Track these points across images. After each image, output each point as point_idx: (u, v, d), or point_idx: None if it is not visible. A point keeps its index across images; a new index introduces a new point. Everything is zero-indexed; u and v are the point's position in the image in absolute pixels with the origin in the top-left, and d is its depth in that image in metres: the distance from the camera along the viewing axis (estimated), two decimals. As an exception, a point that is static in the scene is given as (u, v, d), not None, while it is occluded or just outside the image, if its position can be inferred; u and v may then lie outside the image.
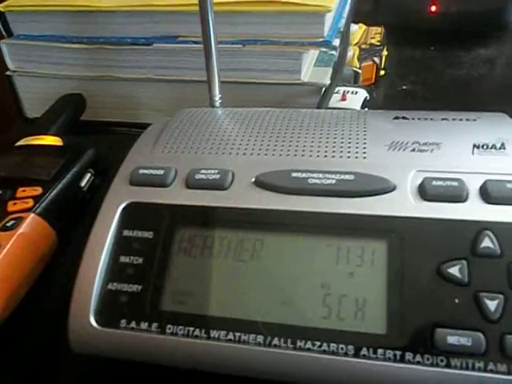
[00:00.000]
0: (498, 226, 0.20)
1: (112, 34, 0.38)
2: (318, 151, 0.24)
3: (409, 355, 0.19)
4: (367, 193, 0.22)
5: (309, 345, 0.20)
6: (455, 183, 0.21)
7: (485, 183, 0.21)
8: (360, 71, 0.41)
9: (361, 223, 0.21)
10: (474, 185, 0.21)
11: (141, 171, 0.25)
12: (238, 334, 0.20)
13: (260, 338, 0.20)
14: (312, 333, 0.20)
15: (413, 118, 0.26)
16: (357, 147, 0.24)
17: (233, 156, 0.25)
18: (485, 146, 0.23)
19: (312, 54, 0.37)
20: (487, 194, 0.21)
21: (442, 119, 0.26)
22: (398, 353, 0.19)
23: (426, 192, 0.21)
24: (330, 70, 0.37)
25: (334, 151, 0.24)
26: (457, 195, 0.21)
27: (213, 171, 0.24)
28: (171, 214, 0.23)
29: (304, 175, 0.23)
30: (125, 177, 0.25)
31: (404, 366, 0.19)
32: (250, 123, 0.27)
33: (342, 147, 0.24)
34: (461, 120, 0.26)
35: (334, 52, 0.39)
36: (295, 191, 0.23)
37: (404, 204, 0.21)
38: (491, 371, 0.18)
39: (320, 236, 0.21)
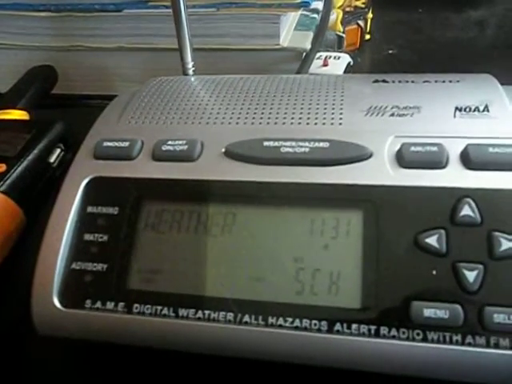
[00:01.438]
0: (478, 193, 0.19)
1: (80, 1, 0.36)
2: (292, 118, 0.23)
3: (384, 329, 0.18)
4: (342, 161, 0.21)
5: (281, 321, 0.19)
6: (434, 148, 0.20)
7: (466, 148, 0.20)
8: (344, 35, 0.39)
9: (335, 193, 0.20)
10: (454, 150, 0.20)
11: (105, 144, 0.23)
12: (207, 312, 0.19)
13: (230, 316, 0.19)
14: (284, 309, 0.19)
15: (393, 81, 0.25)
16: (333, 113, 0.23)
17: (202, 125, 0.24)
18: (467, 109, 0.22)
19: (292, 18, 0.36)
20: (468, 160, 0.20)
21: (424, 82, 0.24)
22: (373, 327, 0.18)
23: (403, 159, 0.20)
24: (311, 35, 0.35)
25: (308, 118, 0.23)
26: (436, 161, 0.20)
27: (180, 142, 0.23)
28: (137, 188, 0.22)
29: (276, 144, 0.22)
30: (88, 150, 0.23)
31: (379, 341, 0.18)
32: (222, 91, 0.26)
33: (317, 113, 0.23)
34: (443, 82, 0.24)
35: (315, 15, 0.37)
36: (267, 161, 0.21)
37: (380, 172, 0.20)
38: (469, 344, 0.17)
39: (293, 208, 0.20)
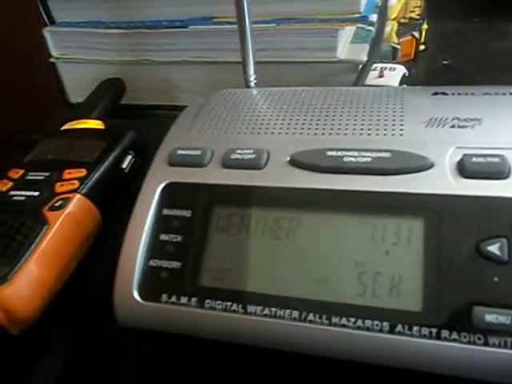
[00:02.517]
0: (541, 203, 0.19)
1: (148, 18, 0.38)
2: (354, 129, 0.24)
3: (445, 333, 0.19)
4: (404, 170, 0.22)
5: (344, 321, 0.20)
6: (496, 159, 0.21)
7: (528, 159, 0.21)
8: (399, 47, 0.40)
9: (397, 201, 0.21)
10: (516, 161, 0.21)
11: (179, 152, 0.25)
12: (274, 310, 0.21)
13: (295, 314, 0.20)
14: (347, 309, 0.20)
15: (452, 94, 0.26)
16: (393, 124, 0.24)
17: (268, 135, 0.25)
18: (528, 121, 0.22)
19: (348, 31, 0.37)
20: (530, 171, 0.20)
21: (484, 94, 0.25)
22: (434, 330, 0.19)
23: (465, 169, 0.21)
24: (367, 47, 0.36)
25: (369, 129, 0.24)
26: (498, 171, 0.20)
27: (248, 151, 0.24)
28: (208, 193, 0.24)
29: (339, 153, 0.23)
30: (164, 158, 0.26)
31: (440, 344, 0.19)
32: (285, 102, 0.27)
33: (378, 124, 0.24)
34: (504, 94, 0.25)
35: (371, 28, 0.38)
36: (330, 170, 0.23)
37: (442, 181, 0.21)
38: (531, 350, 0.18)
39: (355, 214, 0.22)
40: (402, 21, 0.42)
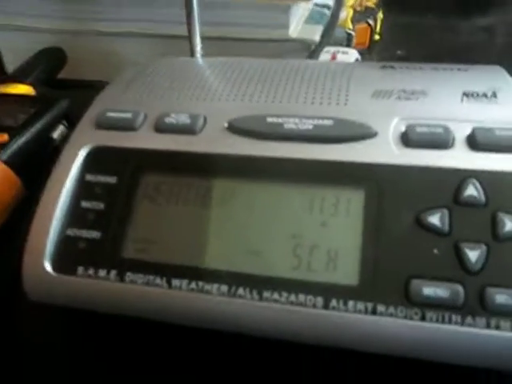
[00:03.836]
0: (483, 174, 0.18)
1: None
2: (297, 97, 0.23)
3: (381, 307, 0.17)
4: (345, 139, 0.20)
5: (276, 295, 0.18)
6: (440, 130, 0.20)
7: (473, 130, 0.20)
8: (353, 33, 0.39)
9: (337, 170, 0.20)
10: (461, 132, 0.20)
11: (108, 114, 0.23)
12: (200, 284, 0.19)
13: (224, 288, 0.19)
14: (280, 283, 0.18)
15: (400, 68, 0.25)
16: (338, 94, 0.23)
17: (206, 102, 0.23)
18: (475, 95, 0.22)
19: (302, 11, 0.36)
20: (474, 141, 0.19)
21: (432, 69, 0.24)
22: (370, 305, 0.17)
23: (408, 139, 0.20)
24: (320, 28, 0.35)
25: (313, 97, 0.23)
26: (441, 142, 0.20)
27: (183, 115, 0.22)
28: (137, 159, 0.22)
29: (279, 120, 0.21)
30: (91, 120, 0.23)
31: (376, 319, 0.17)
32: (229, 71, 0.26)
33: (322, 93, 0.23)
34: (451, 70, 0.24)
35: (326, 10, 0.37)
36: (269, 136, 0.21)
37: (385, 151, 0.20)
38: (469, 325, 0.17)
39: (293, 184, 0.20)
40: (358, 9, 0.42)
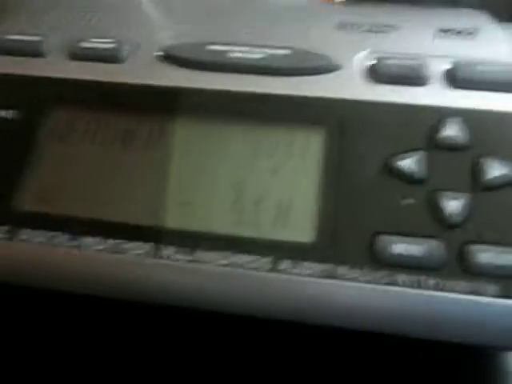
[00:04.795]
0: (465, 113, 0.15)
1: None
2: (247, 28, 0.19)
3: (342, 269, 0.14)
4: (303, 71, 0.17)
5: (211, 255, 0.14)
6: (414, 63, 0.17)
7: (452, 65, 0.16)
8: None
9: (291, 107, 0.16)
10: (437, 67, 0.17)
11: (8, 37, 0.18)
12: (115, 242, 0.15)
13: (146, 247, 0.15)
14: (217, 241, 0.15)
15: (368, 4, 0.21)
16: (297, 25, 0.19)
17: (134, 26, 0.19)
18: (453, 31, 0.19)
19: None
20: (454, 77, 0.16)
21: (405, 7, 0.21)
22: (329, 266, 0.14)
23: (377, 72, 0.16)
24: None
25: (265, 27, 0.19)
26: (416, 77, 0.16)
27: (106, 40, 0.18)
28: (45, 89, 0.17)
29: (223, 48, 0.17)
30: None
31: (336, 283, 0.14)
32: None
33: (277, 25, 0.19)
34: (427, 8, 0.21)
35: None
36: (210, 66, 0.17)
37: (349, 85, 0.16)
38: (448, 290, 0.13)
39: (236, 122, 0.16)
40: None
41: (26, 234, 0.15)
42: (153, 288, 0.15)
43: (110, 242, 0.15)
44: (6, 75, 0.17)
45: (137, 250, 0.15)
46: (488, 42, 0.18)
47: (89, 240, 0.15)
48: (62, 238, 0.15)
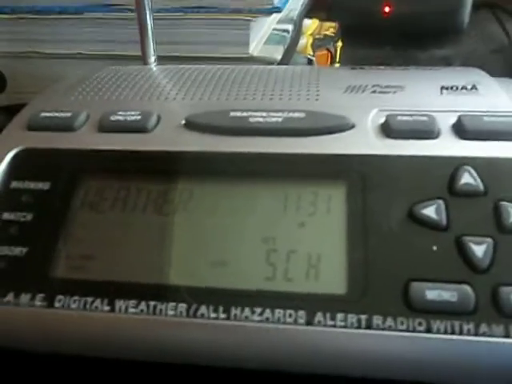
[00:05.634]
0: (478, 161, 0.16)
1: (37, 3, 0.33)
2: (263, 95, 0.20)
3: (377, 319, 0.14)
4: (320, 131, 0.18)
5: (247, 312, 0.15)
6: (424, 118, 0.18)
7: (459, 119, 0.18)
8: (314, 59, 0.38)
9: (312, 164, 0.17)
10: (445, 121, 0.18)
11: (43, 114, 0.20)
12: (152, 304, 0.15)
13: (182, 307, 0.15)
14: (251, 298, 0.15)
15: (372, 69, 0.23)
16: (308, 90, 0.20)
17: (160, 101, 0.20)
18: (454, 88, 0.20)
19: (263, 32, 0.34)
20: (462, 130, 0.17)
21: (403, 69, 0.23)
22: (363, 317, 0.14)
23: (390, 129, 0.18)
24: (281, 48, 0.34)
25: (281, 94, 0.20)
26: (427, 131, 0.17)
27: (133, 112, 0.19)
28: (76, 161, 0.18)
29: (244, 114, 0.19)
30: (22, 122, 0.20)
31: (372, 333, 0.14)
32: (185, 75, 0.23)
33: (290, 91, 0.20)
34: (424, 69, 0.23)
35: (286, 34, 0.36)
36: (233, 131, 0.18)
37: (365, 142, 0.17)
38: (484, 334, 0.14)
39: (263, 181, 0.17)
40: (317, 37, 0.41)
41: (61, 301, 0.15)
42: (190, 348, 0.15)
43: (146, 304, 0.15)
44: (42, 150, 0.18)
45: (172, 310, 0.15)
46: (488, 95, 0.19)
47: (124, 303, 0.15)
48: (98, 303, 0.15)
